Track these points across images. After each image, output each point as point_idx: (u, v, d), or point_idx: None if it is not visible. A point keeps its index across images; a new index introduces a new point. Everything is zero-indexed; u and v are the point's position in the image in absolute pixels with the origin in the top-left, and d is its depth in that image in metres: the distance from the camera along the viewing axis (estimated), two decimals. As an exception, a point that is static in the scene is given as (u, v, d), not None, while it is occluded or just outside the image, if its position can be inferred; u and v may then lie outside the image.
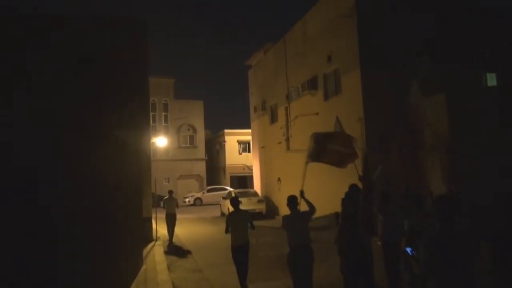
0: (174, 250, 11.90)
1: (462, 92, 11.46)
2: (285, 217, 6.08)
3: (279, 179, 20.26)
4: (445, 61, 12.63)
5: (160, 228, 14.27)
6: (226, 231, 7.23)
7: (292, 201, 6.01)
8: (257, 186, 24.61)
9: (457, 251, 2.63)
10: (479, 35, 13.46)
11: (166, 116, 35.57)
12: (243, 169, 35.31)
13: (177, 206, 13.76)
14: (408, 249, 5.28)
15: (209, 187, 32.28)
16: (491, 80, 14.22)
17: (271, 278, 7.07)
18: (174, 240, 13.32)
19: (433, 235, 3.02)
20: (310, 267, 5.81)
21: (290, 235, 5.89)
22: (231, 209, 7.38)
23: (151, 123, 27.65)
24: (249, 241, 7.10)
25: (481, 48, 13.40)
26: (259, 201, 20.19)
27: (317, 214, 6.34)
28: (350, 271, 3.55)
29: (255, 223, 7.63)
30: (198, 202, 30.21)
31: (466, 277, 2.80)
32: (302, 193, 6.19)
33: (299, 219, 5.96)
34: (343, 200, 6.00)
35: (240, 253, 7.01)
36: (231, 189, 26.11)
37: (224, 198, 23.16)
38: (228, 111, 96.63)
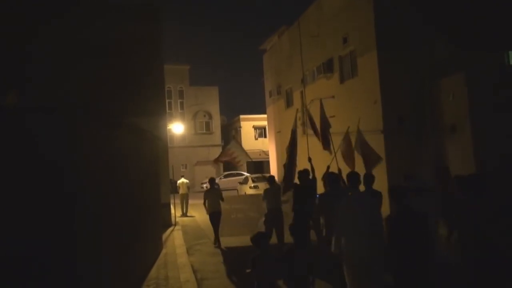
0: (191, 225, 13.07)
1: (483, 71, 11.11)
2: (266, 190, 8.86)
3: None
4: (464, 39, 12.25)
5: (178, 214, 14.67)
6: (204, 202, 10.01)
7: (271, 179, 9.10)
8: (273, 171, 24.65)
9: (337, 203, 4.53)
10: (500, 12, 12.97)
11: (182, 103, 35.76)
12: (259, 154, 35.36)
13: (188, 188, 16.78)
14: (318, 195, 7.48)
15: (226, 173, 32.50)
16: (514, 58, 13.74)
17: (239, 234, 9.37)
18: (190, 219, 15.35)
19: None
20: (281, 223, 8.22)
21: (268, 201, 8.52)
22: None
23: (167, 110, 27.86)
24: (220, 209, 9.84)
25: (503, 25, 12.92)
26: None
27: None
28: (295, 228, 4.76)
29: None
30: (215, 188, 30.44)
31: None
32: (285, 166, 8.96)
33: (275, 191, 8.71)
34: (299, 172, 8.24)
35: (215, 217, 9.87)
36: (248, 174, 26.23)
37: (241, 183, 23.29)
38: (243, 97, 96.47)
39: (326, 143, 9.34)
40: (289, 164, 9.12)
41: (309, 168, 8.51)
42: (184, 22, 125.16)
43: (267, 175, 23.19)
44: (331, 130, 9.54)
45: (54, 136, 3.92)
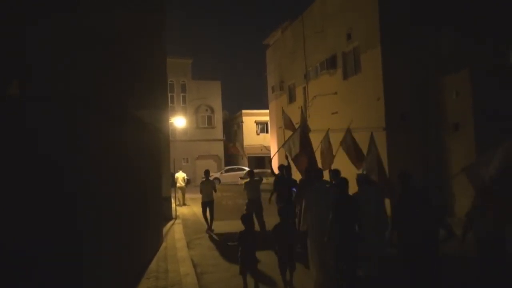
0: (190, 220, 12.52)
1: (488, 69, 11.03)
2: (246, 182, 10.32)
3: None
4: (469, 37, 12.15)
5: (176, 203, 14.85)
6: (201, 192, 11.27)
7: (251, 173, 10.57)
8: (275, 166, 24.55)
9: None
10: (505, 9, 12.84)
11: (184, 97, 35.64)
12: (261, 149, 35.34)
13: (188, 182, 18.18)
14: (293, 189, 8.71)
15: (227, 168, 32.48)
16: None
17: (230, 218, 10.15)
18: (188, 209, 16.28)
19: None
20: (260, 212, 9.70)
21: (248, 192, 9.91)
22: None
23: (170, 104, 27.78)
24: (213, 198, 11.03)
25: (508, 23, 12.81)
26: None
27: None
28: (281, 213, 6.14)
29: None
30: (216, 182, 30.45)
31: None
32: (270, 161, 10.18)
33: (254, 184, 10.07)
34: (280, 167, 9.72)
35: (208, 206, 11.11)
36: (249, 169, 26.21)
37: (242, 178, 23.32)
38: (245, 92, 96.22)
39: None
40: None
41: (287, 164, 9.79)
42: (187, 15, 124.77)
43: (269, 170, 23.36)
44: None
45: (54, 129, 3.90)
